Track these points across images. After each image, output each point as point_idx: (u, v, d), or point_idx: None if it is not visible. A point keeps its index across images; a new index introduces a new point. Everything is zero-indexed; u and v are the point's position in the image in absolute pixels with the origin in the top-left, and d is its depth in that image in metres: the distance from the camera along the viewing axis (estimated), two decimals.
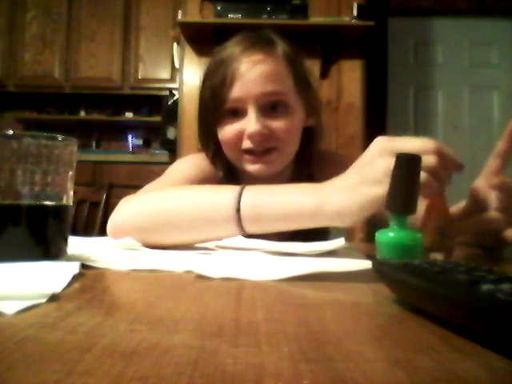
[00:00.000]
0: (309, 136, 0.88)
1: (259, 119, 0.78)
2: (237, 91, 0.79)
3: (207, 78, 0.84)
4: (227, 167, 0.89)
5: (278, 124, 0.80)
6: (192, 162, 0.93)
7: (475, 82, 3.26)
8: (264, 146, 0.79)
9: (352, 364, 0.22)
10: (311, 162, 0.89)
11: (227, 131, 0.81)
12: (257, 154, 0.80)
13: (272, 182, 0.88)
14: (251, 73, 0.79)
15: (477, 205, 0.62)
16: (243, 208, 0.56)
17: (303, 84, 0.85)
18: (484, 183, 0.62)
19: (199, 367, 0.21)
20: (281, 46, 0.84)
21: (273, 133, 0.79)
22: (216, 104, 0.81)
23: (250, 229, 0.57)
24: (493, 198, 0.60)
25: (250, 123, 0.78)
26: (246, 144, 0.80)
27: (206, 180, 0.87)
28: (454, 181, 0.56)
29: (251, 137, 0.78)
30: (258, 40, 0.83)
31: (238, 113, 0.80)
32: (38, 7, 3.56)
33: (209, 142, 0.88)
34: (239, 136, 0.80)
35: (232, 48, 0.83)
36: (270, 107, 0.80)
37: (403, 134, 0.56)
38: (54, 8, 3.56)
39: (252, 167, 0.81)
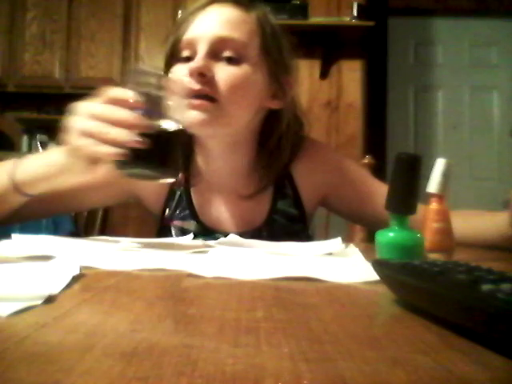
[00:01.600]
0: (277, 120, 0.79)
1: (205, 59, 0.69)
2: (190, 32, 0.72)
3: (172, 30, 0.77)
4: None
5: (222, 71, 0.70)
6: None
7: (475, 82, 3.25)
8: (201, 88, 0.69)
9: (352, 364, 0.22)
10: (278, 148, 0.79)
11: (173, 73, 0.73)
12: (196, 98, 0.70)
13: (230, 161, 0.79)
14: (210, 15, 0.73)
15: None
16: (18, 176, 0.65)
17: (274, 56, 0.76)
18: None
19: (199, 367, 0.21)
20: (258, 8, 0.76)
21: (214, 80, 0.70)
22: (171, 50, 0.74)
23: (27, 190, 0.66)
24: None
25: (194, 60, 0.70)
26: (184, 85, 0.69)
27: None
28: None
29: (190, 73, 0.69)
30: None
31: (191, 59, 0.72)
32: (38, 7, 3.56)
33: None
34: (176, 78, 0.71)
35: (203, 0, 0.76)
36: (226, 59, 0.71)
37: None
38: (54, 8, 3.55)
39: (188, 114, 0.70)
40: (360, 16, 2.59)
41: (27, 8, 3.56)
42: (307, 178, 0.83)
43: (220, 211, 0.81)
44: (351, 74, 2.79)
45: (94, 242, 0.65)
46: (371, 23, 2.57)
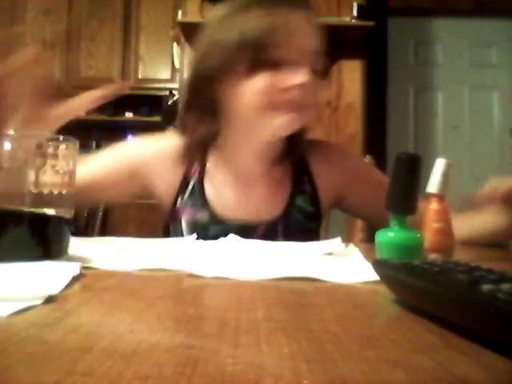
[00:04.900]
0: None
1: (310, 72, 0.73)
2: (294, 40, 0.73)
3: (238, 17, 0.75)
4: (208, 135, 0.81)
5: (317, 85, 0.76)
6: (125, 147, 0.89)
7: (475, 82, 3.25)
8: (306, 101, 0.74)
9: (352, 364, 0.22)
10: (302, 141, 0.84)
11: (263, 79, 0.72)
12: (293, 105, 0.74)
13: (258, 152, 0.80)
14: (307, 27, 0.76)
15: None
16: None
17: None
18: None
19: (199, 367, 0.21)
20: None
21: (313, 92, 0.75)
22: (255, 48, 0.72)
23: None
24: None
25: (302, 73, 0.72)
26: (288, 95, 0.73)
27: (149, 158, 0.84)
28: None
29: (301, 86, 0.72)
30: None
31: (275, 64, 0.73)
32: (38, 7, 3.56)
33: (206, 96, 0.78)
34: (274, 88, 0.72)
35: None
36: (314, 68, 0.75)
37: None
38: (54, 8, 3.55)
39: (284, 118, 0.73)
40: (360, 16, 2.59)
41: (27, 8, 3.56)
42: (326, 174, 0.84)
43: (235, 200, 0.82)
44: (351, 74, 2.78)
45: (94, 242, 0.65)
46: (371, 23, 2.57)
